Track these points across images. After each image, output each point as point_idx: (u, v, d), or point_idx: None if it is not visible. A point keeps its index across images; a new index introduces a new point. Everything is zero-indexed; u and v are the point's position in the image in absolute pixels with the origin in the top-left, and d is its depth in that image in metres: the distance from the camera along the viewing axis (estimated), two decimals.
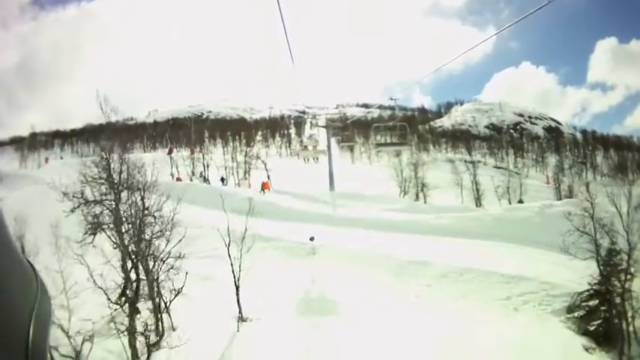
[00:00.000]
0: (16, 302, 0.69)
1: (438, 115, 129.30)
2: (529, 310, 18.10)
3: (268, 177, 42.75)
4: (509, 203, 43.79)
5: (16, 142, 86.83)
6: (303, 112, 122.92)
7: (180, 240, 18.10)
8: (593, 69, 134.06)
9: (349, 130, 34.57)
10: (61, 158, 72.66)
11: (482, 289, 19.33)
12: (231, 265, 17.67)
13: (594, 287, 17.77)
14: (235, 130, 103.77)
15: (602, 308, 17.10)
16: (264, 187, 41.54)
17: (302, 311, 18.17)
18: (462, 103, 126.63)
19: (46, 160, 68.33)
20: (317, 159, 32.78)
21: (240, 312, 17.88)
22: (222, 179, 47.42)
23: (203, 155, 52.60)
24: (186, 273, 17.78)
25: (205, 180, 47.33)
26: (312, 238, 23.92)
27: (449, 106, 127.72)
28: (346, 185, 43.36)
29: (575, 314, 17.38)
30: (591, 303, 17.32)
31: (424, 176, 44.55)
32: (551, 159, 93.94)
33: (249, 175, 47.46)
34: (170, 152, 58.60)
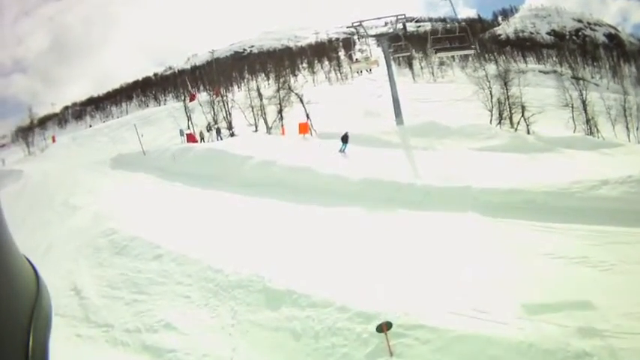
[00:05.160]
0: (16, 302, 0.69)
1: (493, 24, 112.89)
2: None
3: (307, 116, 28.77)
4: (628, 130, 29.91)
5: (47, 120, 78.52)
6: (351, 34, 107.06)
7: None
8: None
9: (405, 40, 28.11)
10: (90, 126, 64.33)
11: None
12: None
13: None
14: (279, 60, 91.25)
15: None
16: (303, 130, 27.96)
17: None
18: (516, 10, 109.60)
19: (53, 139, 55.75)
20: (370, 70, 32.62)
21: None
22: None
23: (222, 98, 38.63)
24: None
25: (219, 131, 34.01)
26: (384, 327, 8.93)
27: (504, 14, 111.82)
28: (413, 111, 30.39)
29: None
30: None
31: (521, 94, 30.07)
32: (625, 69, 75.63)
33: (280, 116, 32.49)
34: (192, 99, 45.63)
